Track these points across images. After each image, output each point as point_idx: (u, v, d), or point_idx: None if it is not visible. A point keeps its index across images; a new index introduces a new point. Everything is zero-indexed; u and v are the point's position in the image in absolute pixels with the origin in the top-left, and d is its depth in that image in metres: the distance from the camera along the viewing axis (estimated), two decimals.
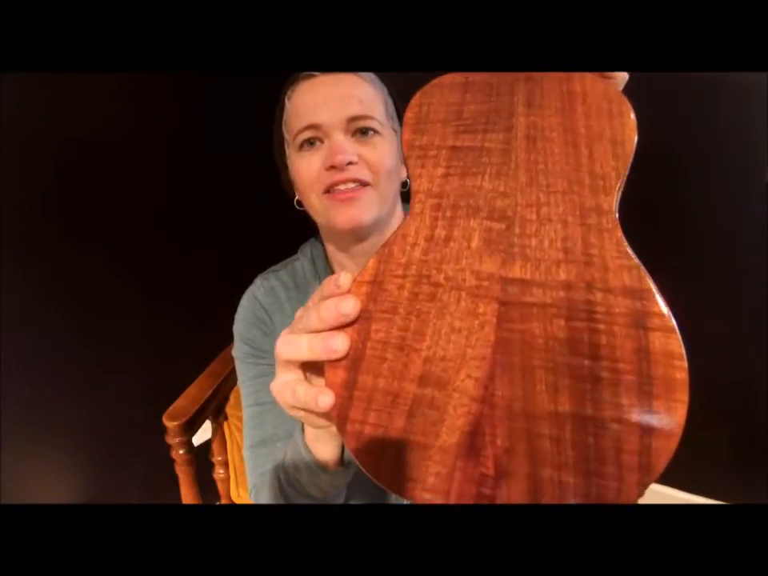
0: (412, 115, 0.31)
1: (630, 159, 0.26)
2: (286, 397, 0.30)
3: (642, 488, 0.22)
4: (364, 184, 0.52)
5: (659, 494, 1.26)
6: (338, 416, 0.27)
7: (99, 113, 0.90)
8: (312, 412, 0.30)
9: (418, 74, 0.33)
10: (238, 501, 0.82)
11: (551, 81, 0.29)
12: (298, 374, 0.30)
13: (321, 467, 0.39)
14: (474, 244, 0.27)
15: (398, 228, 0.29)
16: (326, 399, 0.27)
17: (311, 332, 0.28)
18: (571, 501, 0.23)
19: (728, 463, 1.19)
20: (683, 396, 0.22)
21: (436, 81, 0.32)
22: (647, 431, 0.22)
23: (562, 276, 0.25)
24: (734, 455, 1.18)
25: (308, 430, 0.39)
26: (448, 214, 0.28)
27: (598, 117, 0.27)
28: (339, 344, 0.27)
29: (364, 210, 0.51)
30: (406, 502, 0.59)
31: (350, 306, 0.27)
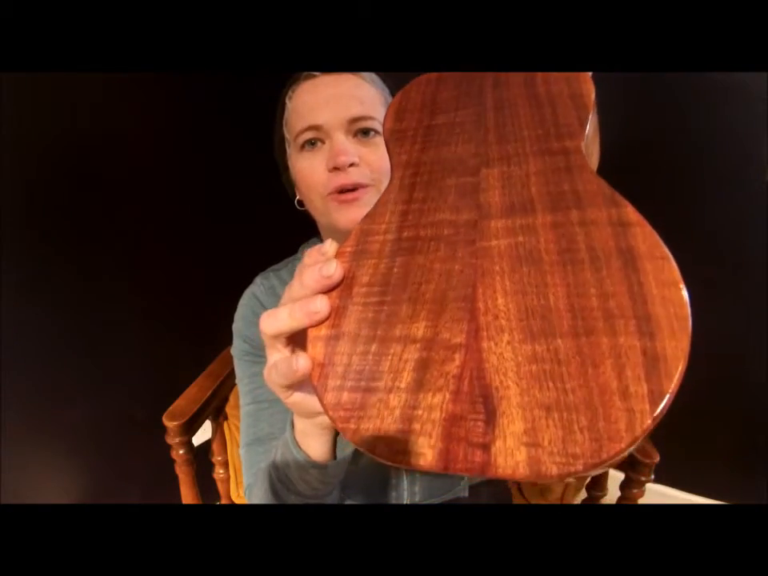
0: (392, 109, 0.35)
1: (591, 110, 0.29)
2: (272, 376, 0.30)
3: (655, 407, 0.19)
4: (366, 186, 0.52)
5: (659, 493, 1.26)
6: (319, 382, 0.26)
7: (99, 113, 0.90)
8: (300, 388, 0.30)
9: (418, 74, 0.33)
10: (237, 501, 0.82)
11: None
12: (285, 354, 0.30)
13: (310, 462, 0.38)
14: (450, 198, 0.29)
15: (379, 198, 0.31)
16: (301, 361, 0.26)
17: (294, 301, 0.28)
18: (577, 437, 0.20)
19: (728, 463, 1.19)
20: (683, 293, 0.21)
21: (414, 80, 0.35)
22: (650, 339, 0.20)
23: (538, 212, 0.26)
24: (734, 455, 1.18)
25: (297, 423, 0.38)
26: (425, 178, 0.30)
27: (557, 81, 0.31)
28: (319, 305, 0.27)
29: (366, 210, 0.51)
30: (405, 502, 0.59)
31: (332, 268, 0.27)
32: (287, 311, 0.28)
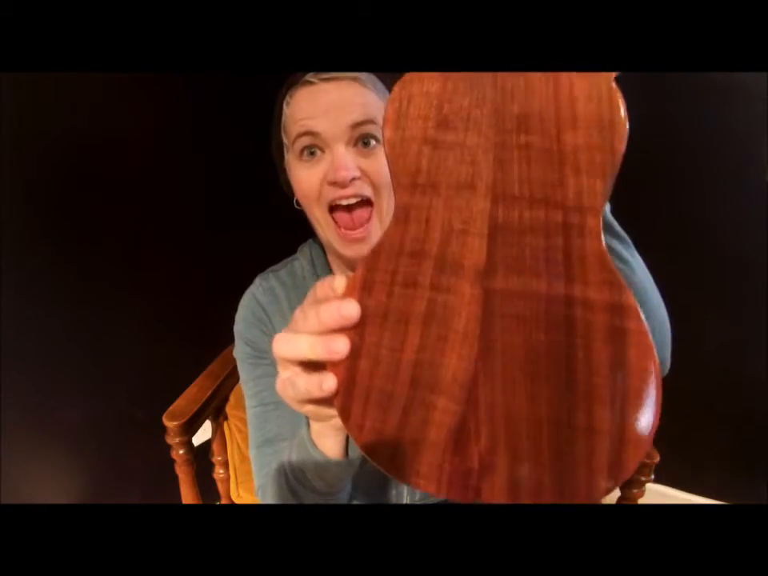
0: (392, 111, 0.28)
1: (618, 166, 0.24)
2: (288, 392, 0.31)
3: (609, 491, 0.24)
4: (365, 199, 0.51)
5: (659, 493, 1.26)
6: (342, 410, 0.29)
7: (99, 113, 0.90)
8: (316, 401, 0.31)
9: None
10: (238, 501, 0.82)
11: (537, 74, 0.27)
12: (296, 371, 0.31)
13: (327, 460, 0.40)
14: (457, 253, 0.27)
15: (384, 234, 0.29)
16: (329, 382, 0.28)
17: (311, 333, 0.29)
18: (547, 497, 0.25)
19: (728, 463, 1.19)
20: (656, 409, 0.23)
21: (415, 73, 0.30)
22: (618, 440, 0.24)
23: (543, 289, 0.25)
24: (734, 456, 1.18)
25: (313, 426, 0.39)
26: (431, 216, 0.28)
27: (587, 125, 0.25)
28: (341, 347, 0.28)
29: (370, 242, 0.52)
30: (405, 502, 0.59)
31: (352, 310, 0.28)
32: (308, 343, 0.29)
